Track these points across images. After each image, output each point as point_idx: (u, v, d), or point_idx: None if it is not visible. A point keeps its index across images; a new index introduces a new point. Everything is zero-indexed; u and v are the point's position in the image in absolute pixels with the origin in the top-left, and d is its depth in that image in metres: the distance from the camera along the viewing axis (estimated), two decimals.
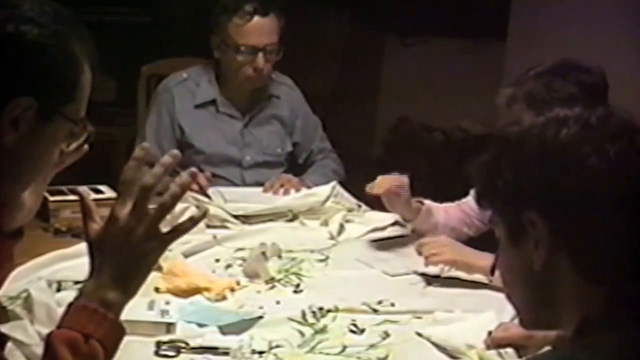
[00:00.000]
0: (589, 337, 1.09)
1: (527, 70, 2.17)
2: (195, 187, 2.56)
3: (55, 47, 1.26)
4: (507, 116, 2.18)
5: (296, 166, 3.09)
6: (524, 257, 1.15)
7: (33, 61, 1.25)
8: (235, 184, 2.93)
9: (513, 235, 1.16)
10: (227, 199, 2.65)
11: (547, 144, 1.12)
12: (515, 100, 2.16)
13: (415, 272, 2.24)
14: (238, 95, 2.97)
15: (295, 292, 2.10)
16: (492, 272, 2.12)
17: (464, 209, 2.54)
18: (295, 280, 2.16)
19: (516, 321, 1.86)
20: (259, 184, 2.89)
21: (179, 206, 2.49)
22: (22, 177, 1.34)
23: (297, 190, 2.78)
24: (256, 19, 2.82)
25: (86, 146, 1.45)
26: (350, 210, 2.68)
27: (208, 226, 2.49)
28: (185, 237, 2.33)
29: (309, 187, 2.82)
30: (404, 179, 2.44)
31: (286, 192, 2.77)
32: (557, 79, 2.12)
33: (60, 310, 1.36)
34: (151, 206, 1.30)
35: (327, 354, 1.78)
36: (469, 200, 2.54)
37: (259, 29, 2.83)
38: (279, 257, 2.30)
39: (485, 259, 2.16)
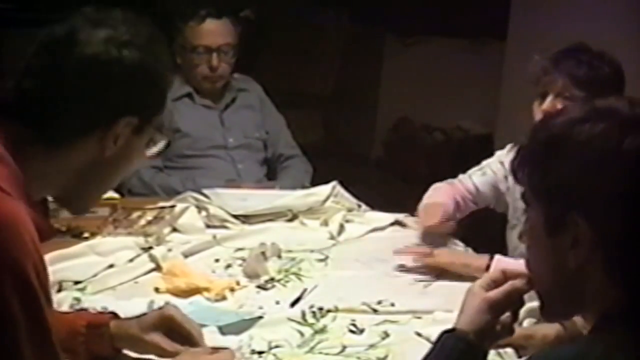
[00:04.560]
0: (607, 332, 1.11)
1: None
2: None
3: (152, 68, 1.34)
4: (539, 83, 2.26)
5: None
6: (558, 252, 1.16)
7: (136, 83, 1.32)
8: (225, 161, 3.12)
9: (551, 227, 1.17)
10: (225, 200, 2.65)
11: (609, 153, 1.11)
12: (552, 70, 2.23)
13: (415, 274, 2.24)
14: (208, 92, 3.18)
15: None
16: (486, 269, 2.15)
17: (460, 190, 2.56)
18: (297, 281, 2.16)
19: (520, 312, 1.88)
20: (248, 164, 3.13)
21: (179, 206, 2.51)
22: (110, 184, 1.44)
23: None
24: (209, 20, 3.07)
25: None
26: (350, 210, 2.68)
27: (208, 226, 2.50)
28: (185, 237, 2.38)
29: None
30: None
31: None
32: (595, 59, 2.19)
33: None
34: None
35: (327, 354, 1.78)
36: (463, 180, 2.57)
37: (212, 30, 3.08)
38: (279, 257, 2.30)
39: (482, 258, 2.19)
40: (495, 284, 1.38)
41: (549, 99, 2.24)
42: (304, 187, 2.98)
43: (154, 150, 1.44)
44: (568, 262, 1.14)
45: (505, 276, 1.38)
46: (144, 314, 1.69)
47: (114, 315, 1.68)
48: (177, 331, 1.63)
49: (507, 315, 1.38)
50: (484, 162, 2.59)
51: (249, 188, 2.89)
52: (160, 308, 1.73)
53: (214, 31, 3.08)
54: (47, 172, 1.32)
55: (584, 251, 1.13)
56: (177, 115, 3.10)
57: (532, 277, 1.28)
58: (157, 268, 2.16)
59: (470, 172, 2.60)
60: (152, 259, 2.18)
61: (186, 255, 2.27)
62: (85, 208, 1.49)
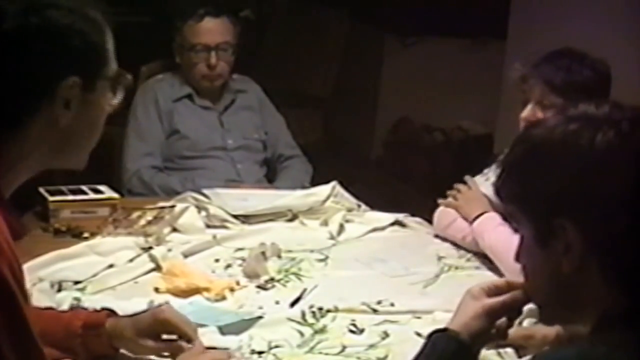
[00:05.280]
0: (608, 333, 1.11)
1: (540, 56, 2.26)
2: None
3: (79, 21, 1.30)
4: (520, 90, 2.26)
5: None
6: (551, 259, 1.16)
7: (65, 43, 1.28)
8: (225, 162, 3.12)
9: (541, 237, 1.17)
10: (225, 200, 2.65)
11: (582, 152, 1.12)
12: (530, 78, 2.22)
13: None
14: (207, 92, 3.18)
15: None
16: (472, 222, 2.26)
17: None
18: (297, 281, 2.16)
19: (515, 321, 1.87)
20: (248, 165, 3.13)
21: (179, 206, 2.51)
22: (85, 148, 1.39)
23: None
24: (207, 19, 3.09)
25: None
26: (350, 210, 2.68)
27: (208, 226, 2.50)
28: (185, 237, 2.39)
29: None
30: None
31: None
32: (575, 63, 2.18)
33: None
34: None
35: (327, 354, 1.78)
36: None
37: (210, 28, 3.09)
38: (279, 257, 2.30)
39: (475, 212, 2.30)
40: (497, 290, 1.38)
41: (529, 106, 2.22)
42: (303, 187, 2.98)
43: (119, 97, 1.40)
44: (562, 269, 1.15)
45: (509, 286, 1.38)
46: (139, 313, 1.68)
47: (111, 312, 1.67)
48: (173, 332, 1.63)
49: (502, 320, 1.38)
50: (486, 170, 2.51)
51: (248, 189, 2.89)
52: (157, 306, 1.73)
53: (212, 29, 3.08)
54: (13, 162, 1.28)
55: (577, 255, 1.13)
56: (177, 116, 3.11)
57: (529, 286, 1.28)
58: (157, 268, 2.16)
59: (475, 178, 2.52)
60: (152, 259, 2.18)
61: (186, 255, 2.27)
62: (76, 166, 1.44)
